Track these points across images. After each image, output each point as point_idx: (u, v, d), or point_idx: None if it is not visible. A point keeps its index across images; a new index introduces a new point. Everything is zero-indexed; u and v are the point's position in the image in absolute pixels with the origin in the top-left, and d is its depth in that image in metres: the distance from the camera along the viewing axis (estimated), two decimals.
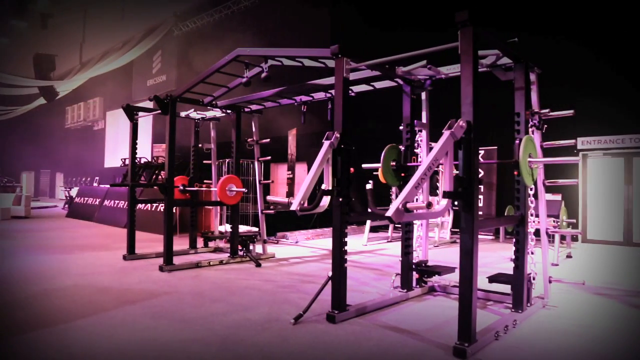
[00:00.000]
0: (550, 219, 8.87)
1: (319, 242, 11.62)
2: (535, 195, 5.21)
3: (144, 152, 22.10)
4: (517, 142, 4.76)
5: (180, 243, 9.59)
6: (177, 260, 7.62)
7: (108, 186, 16.54)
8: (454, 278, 5.16)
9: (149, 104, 9.75)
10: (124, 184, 9.60)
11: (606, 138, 11.57)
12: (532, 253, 5.08)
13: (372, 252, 9.92)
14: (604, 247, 11.07)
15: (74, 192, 21.96)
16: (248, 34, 19.66)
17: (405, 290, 5.67)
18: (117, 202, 15.39)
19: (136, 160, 9.01)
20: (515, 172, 4.82)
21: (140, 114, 8.62)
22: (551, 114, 5.23)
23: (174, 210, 9.90)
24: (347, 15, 16.62)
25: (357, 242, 11.26)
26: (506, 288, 5.15)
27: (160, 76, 27.27)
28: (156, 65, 27.79)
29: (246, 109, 8.78)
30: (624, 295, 5.83)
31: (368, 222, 11.49)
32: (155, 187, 9.12)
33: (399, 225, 5.62)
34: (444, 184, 3.82)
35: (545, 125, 5.31)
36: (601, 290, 6.14)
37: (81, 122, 35.23)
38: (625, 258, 9.47)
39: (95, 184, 26.68)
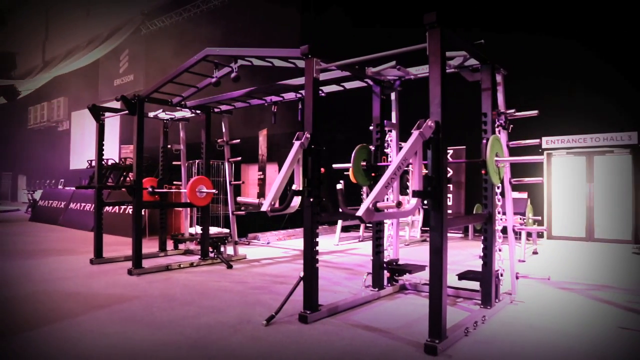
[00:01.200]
0: (517, 216, 9.09)
1: (291, 242, 11.60)
2: (502, 194, 5.34)
3: (111, 153, 21.61)
4: (484, 141, 4.87)
5: (150, 246, 9.41)
6: (146, 263, 7.47)
7: (74, 188, 16.10)
8: (424, 276, 5.22)
9: (116, 104, 9.53)
10: (91, 186, 9.35)
11: (569, 137, 11.94)
12: (499, 250, 5.21)
13: (343, 251, 9.96)
14: (567, 243, 11.42)
15: (37, 195, 21.30)
16: (217, 34, 19.47)
17: (376, 289, 5.72)
18: (83, 204, 15.00)
19: (103, 162, 8.80)
20: (483, 171, 4.93)
21: (107, 114, 8.43)
22: (517, 114, 5.37)
23: (143, 213, 9.71)
24: (320, 15, 16.62)
25: (329, 242, 11.29)
26: (475, 285, 5.25)
27: (127, 76, 26.73)
28: (123, 64, 27.23)
29: (216, 110, 8.70)
30: (586, 289, 6.02)
31: (339, 222, 11.52)
32: (123, 189, 8.93)
33: (370, 225, 5.67)
34: (414, 183, 3.87)
35: (512, 125, 5.44)
36: (565, 284, 6.32)
37: (45, 123, 34.16)
38: (588, 253, 9.80)
39: (60, 187, 25.94)
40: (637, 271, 7.59)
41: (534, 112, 5.29)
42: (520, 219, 9.32)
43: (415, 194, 3.75)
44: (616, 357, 3.64)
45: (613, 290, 5.97)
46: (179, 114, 9.15)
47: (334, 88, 6.62)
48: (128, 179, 14.73)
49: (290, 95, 7.38)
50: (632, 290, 6.03)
